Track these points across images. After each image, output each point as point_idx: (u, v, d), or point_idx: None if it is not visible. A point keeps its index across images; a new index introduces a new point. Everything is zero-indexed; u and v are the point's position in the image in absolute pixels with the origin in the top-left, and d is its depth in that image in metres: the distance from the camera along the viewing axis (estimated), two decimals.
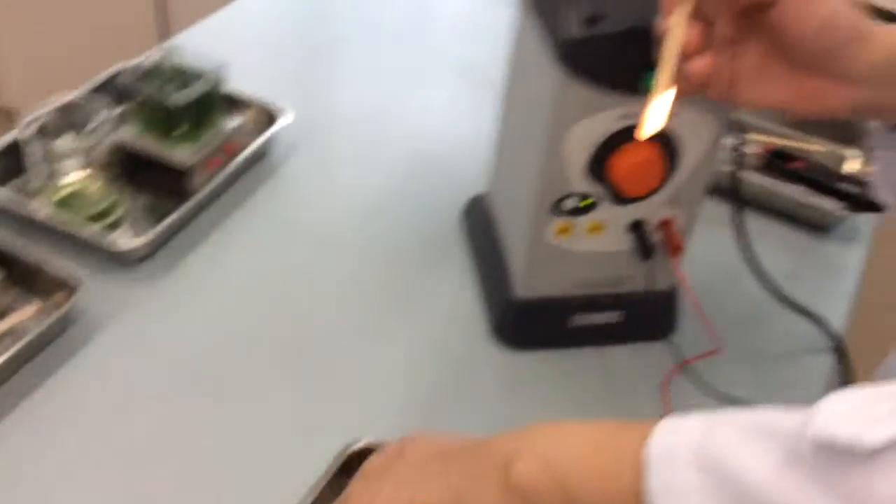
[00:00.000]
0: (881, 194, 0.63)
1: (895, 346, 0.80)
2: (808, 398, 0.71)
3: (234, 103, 0.89)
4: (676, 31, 0.50)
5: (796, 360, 0.77)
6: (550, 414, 0.69)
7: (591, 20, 0.57)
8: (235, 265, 0.77)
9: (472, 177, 0.86)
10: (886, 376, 0.79)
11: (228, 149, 0.84)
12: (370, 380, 0.69)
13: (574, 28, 0.57)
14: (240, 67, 0.86)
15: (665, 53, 0.51)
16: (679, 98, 0.52)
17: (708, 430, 0.38)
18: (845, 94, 0.52)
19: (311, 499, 0.56)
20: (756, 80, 0.54)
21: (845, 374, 0.76)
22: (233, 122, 0.86)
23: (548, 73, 0.61)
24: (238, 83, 0.88)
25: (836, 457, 0.32)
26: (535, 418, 0.67)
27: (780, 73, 0.53)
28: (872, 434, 0.31)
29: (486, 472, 0.46)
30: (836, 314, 0.82)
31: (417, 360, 0.72)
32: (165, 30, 1.89)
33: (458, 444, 0.51)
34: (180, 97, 0.78)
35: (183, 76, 0.80)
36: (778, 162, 0.93)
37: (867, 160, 0.97)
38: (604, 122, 0.62)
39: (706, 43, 0.52)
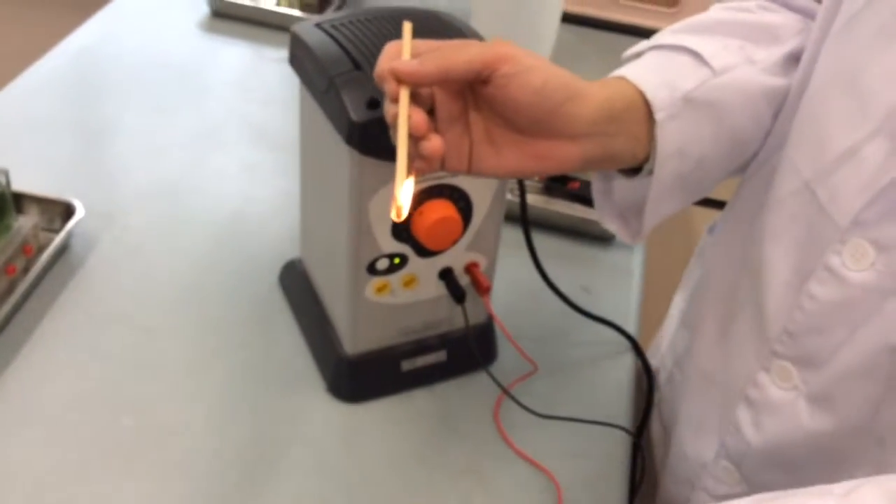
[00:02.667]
0: (605, 222, 0.71)
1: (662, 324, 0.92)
2: (617, 397, 0.81)
3: (21, 202, 0.86)
4: (403, 115, 0.52)
5: (601, 364, 0.87)
6: (395, 459, 0.73)
7: (373, 104, 0.62)
8: (57, 373, 0.75)
9: (283, 240, 0.88)
10: (664, 336, 0.90)
11: (26, 251, 0.82)
12: (225, 462, 0.70)
13: (359, 114, 0.62)
14: (18, 162, 0.84)
15: (398, 139, 0.52)
16: (420, 175, 0.54)
17: None
18: (573, 150, 0.56)
19: None
20: (488, 151, 0.56)
21: (646, 370, 0.86)
22: (26, 222, 0.83)
23: (342, 151, 0.65)
24: (20, 179, 0.85)
25: None
26: (381, 466, 0.72)
27: (509, 141, 0.56)
28: None
29: None
30: (629, 315, 0.92)
31: (263, 430, 0.74)
32: None
33: None
34: None
35: None
36: (556, 185, 1.03)
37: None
38: None
39: (434, 123, 0.54)
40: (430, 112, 0.55)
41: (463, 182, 0.69)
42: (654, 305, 1.04)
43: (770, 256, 0.63)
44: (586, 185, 1.04)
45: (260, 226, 0.94)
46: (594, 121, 0.56)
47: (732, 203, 0.74)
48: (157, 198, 0.96)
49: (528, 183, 1.02)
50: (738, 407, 0.66)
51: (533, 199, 1.01)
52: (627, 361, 0.87)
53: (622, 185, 0.67)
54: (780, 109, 0.65)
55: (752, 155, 0.68)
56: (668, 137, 0.59)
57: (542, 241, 0.90)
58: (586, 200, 1.02)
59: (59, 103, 1.09)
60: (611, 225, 0.70)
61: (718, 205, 0.88)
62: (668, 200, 0.64)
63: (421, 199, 0.68)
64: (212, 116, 1.11)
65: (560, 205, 1.02)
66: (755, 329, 0.65)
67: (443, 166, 0.56)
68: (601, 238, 1.02)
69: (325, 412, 0.77)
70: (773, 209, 0.63)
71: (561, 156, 0.56)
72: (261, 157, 1.05)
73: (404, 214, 0.51)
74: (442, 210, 0.68)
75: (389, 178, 0.66)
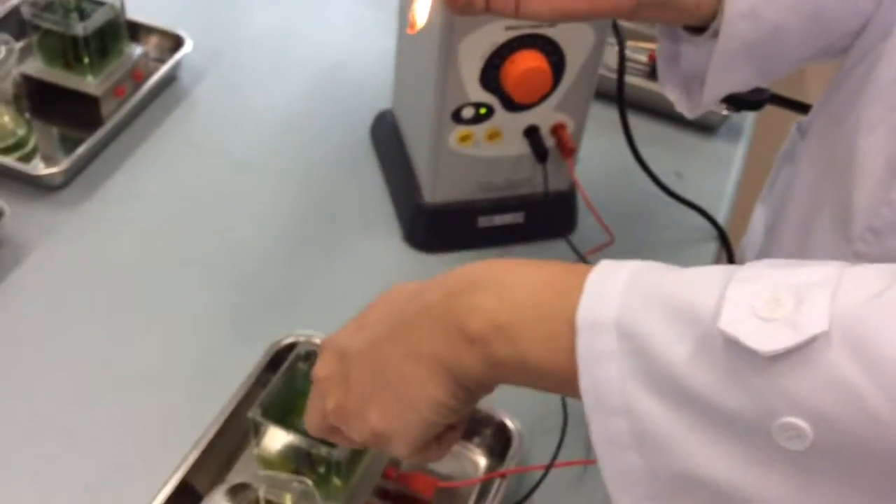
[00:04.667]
0: (667, 90, 0.66)
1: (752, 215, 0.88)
2: None
3: (135, 31, 0.90)
4: None
5: (683, 249, 0.85)
6: None
7: None
8: (154, 186, 0.80)
9: (377, 93, 0.89)
10: (748, 245, 0.87)
11: (136, 76, 0.86)
12: (292, 284, 0.74)
13: None
14: None
15: None
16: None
17: (631, 294, 0.36)
18: None
19: (242, 393, 0.61)
20: None
21: (729, 261, 0.84)
22: (137, 50, 0.87)
23: None
24: (137, 11, 0.88)
25: (743, 353, 0.32)
26: None
27: None
28: (770, 343, 0.31)
29: (450, 338, 0.41)
30: (721, 207, 0.89)
31: (336, 266, 0.76)
32: None
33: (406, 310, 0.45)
34: (84, 27, 0.79)
35: (83, 6, 0.81)
36: None
37: None
38: (491, 34, 0.66)
39: None
40: None
41: (558, 34, 0.68)
42: (748, 208, 1.01)
43: (862, 149, 0.59)
44: None
45: (358, 78, 0.96)
46: None
47: (825, 97, 0.70)
48: (264, 42, 0.99)
49: (633, 65, 0.99)
50: None
51: (637, 80, 0.98)
52: (710, 250, 0.85)
53: (690, 50, 0.62)
54: None
55: (839, 39, 0.62)
56: None
57: (639, 123, 0.88)
58: None
59: None
60: (672, 93, 0.65)
61: None
62: (735, 70, 0.59)
63: (512, 47, 0.67)
64: None
65: None
66: (838, 228, 0.61)
67: (487, 7, 0.53)
68: (704, 126, 0.98)
69: (398, 258, 0.79)
70: (872, 99, 0.59)
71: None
72: (366, 13, 1.05)
73: (418, 26, 0.50)
74: (532, 60, 0.67)
75: (480, 22, 0.66)
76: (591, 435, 0.36)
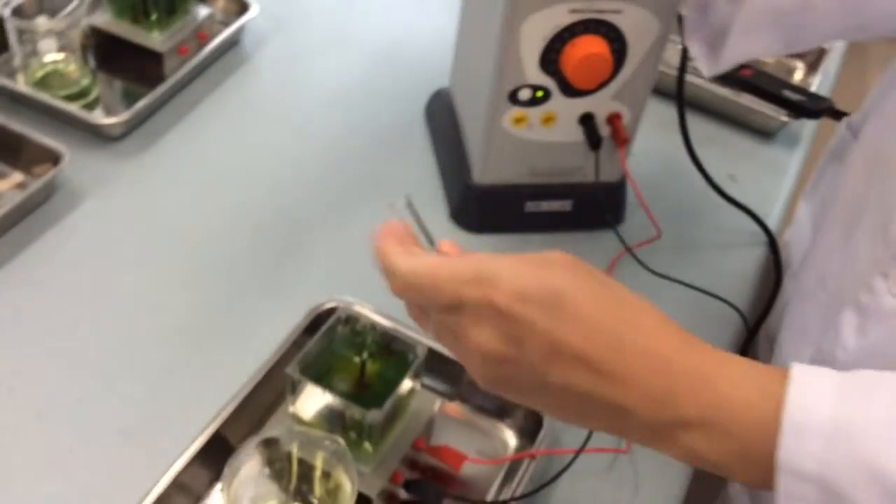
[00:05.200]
0: (691, 43, 0.63)
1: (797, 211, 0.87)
2: (740, 285, 0.79)
3: None
4: None
5: (730, 251, 0.84)
6: None
7: None
8: (210, 145, 0.82)
9: (435, 71, 0.90)
10: (792, 241, 0.85)
11: (200, 36, 0.87)
12: (337, 251, 0.75)
13: None
14: None
15: None
16: None
17: (835, 450, 0.36)
18: None
19: (280, 352, 0.62)
20: None
21: (776, 267, 0.83)
22: (203, 10, 0.88)
23: None
24: None
25: None
26: None
27: None
28: None
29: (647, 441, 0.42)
30: (773, 213, 0.88)
31: None
32: None
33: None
34: None
35: None
36: (727, 70, 0.98)
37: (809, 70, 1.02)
38: (555, 16, 0.66)
39: None
40: None
41: (622, 21, 0.67)
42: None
43: None
44: (759, 74, 0.99)
45: (418, 55, 0.96)
46: None
47: (879, 96, 0.68)
48: (327, 13, 1.00)
49: (693, 63, 0.98)
50: (844, 311, 0.62)
51: (696, 79, 0.97)
52: (758, 254, 0.84)
53: (721, 2, 0.61)
54: None
55: (871, 19, 0.60)
56: None
57: (697, 123, 0.87)
58: (754, 89, 0.97)
59: None
60: (694, 47, 0.64)
61: None
62: (759, 34, 0.58)
63: (575, 31, 0.67)
64: None
65: (726, 90, 0.97)
66: (880, 232, 0.60)
67: None
68: (762, 131, 0.97)
69: (442, 236, 0.78)
70: None
71: None
72: None
73: None
74: (594, 46, 0.67)
75: (544, 3, 0.66)
76: None
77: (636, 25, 0.68)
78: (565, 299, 0.39)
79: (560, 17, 0.66)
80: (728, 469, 0.40)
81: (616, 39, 0.68)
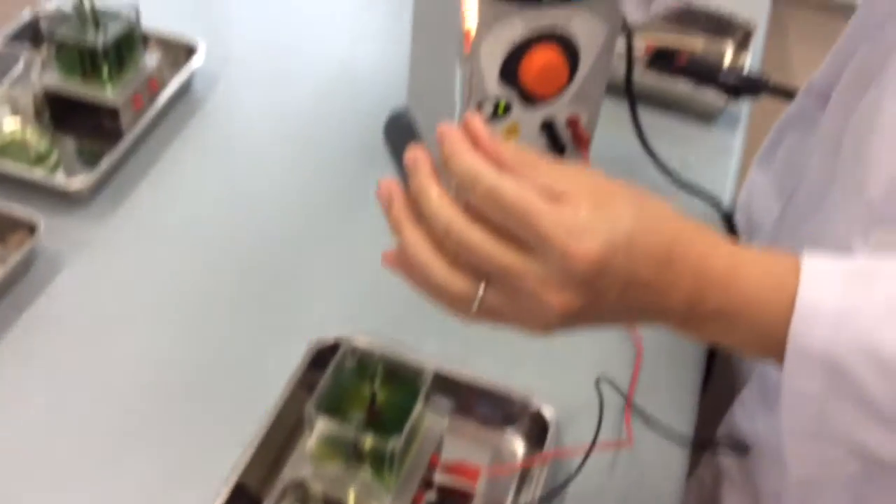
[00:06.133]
0: (628, 10, 0.67)
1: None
2: None
3: (148, 41, 0.91)
4: None
5: None
6: None
7: None
8: (179, 193, 0.82)
9: (388, 90, 0.92)
10: (748, 205, 0.89)
11: (152, 86, 0.87)
12: (323, 280, 0.76)
13: None
14: (145, 5, 0.88)
15: None
16: None
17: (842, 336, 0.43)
18: None
19: (287, 392, 0.63)
20: None
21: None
22: (151, 59, 0.88)
23: None
24: (147, 20, 0.89)
25: None
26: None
27: None
28: None
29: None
30: (726, 192, 0.92)
31: (361, 260, 0.78)
32: None
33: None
34: (102, 39, 0.80)
35: (100, 17, 0.82)
36: (662, 60, 1.02)
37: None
38: (511, 31, 0.68)
39: None
40: None
41: (572, 29, 0.70)
42: None
43: (889, 112, 0.60)
44: (694, 60, 1.03)
45: (369, 76, 0.98)
46: None
47: (847, 60, 0.72)
48: (274, 45, 1.01)
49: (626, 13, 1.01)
50: None
51: (637, 73, 1.00)
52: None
53: None
54: None
55: None
56: None
57: (643, 115, 0.90)
58: (693, 76, 1.01)
59: None
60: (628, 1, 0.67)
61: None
62: None
63: (530, 43, 0.69)
64: None
65: (665, 80, 1.01)
66: (855, 193, 0.64)
67: None
68: (704, 115, 1.01)
69: None
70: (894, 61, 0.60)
71: None
72: (373, 13, 1.07)
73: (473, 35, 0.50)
74: (550, 55, 0.69)
75: (502, 18, 0.68)
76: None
77: (586, 32, 0.71)
78: (636, 238, 0.43)
79: (516, 32, 0.68)
80: (745, 348, 0.47)
81: (568, 47, 0.71)
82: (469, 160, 0.42)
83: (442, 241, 0.43)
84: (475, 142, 0.44)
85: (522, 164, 0.43)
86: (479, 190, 0.41)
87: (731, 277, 0.45)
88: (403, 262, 0.46)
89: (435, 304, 0.45)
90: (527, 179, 0.42)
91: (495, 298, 0.43)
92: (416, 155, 0.45)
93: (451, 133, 0.44)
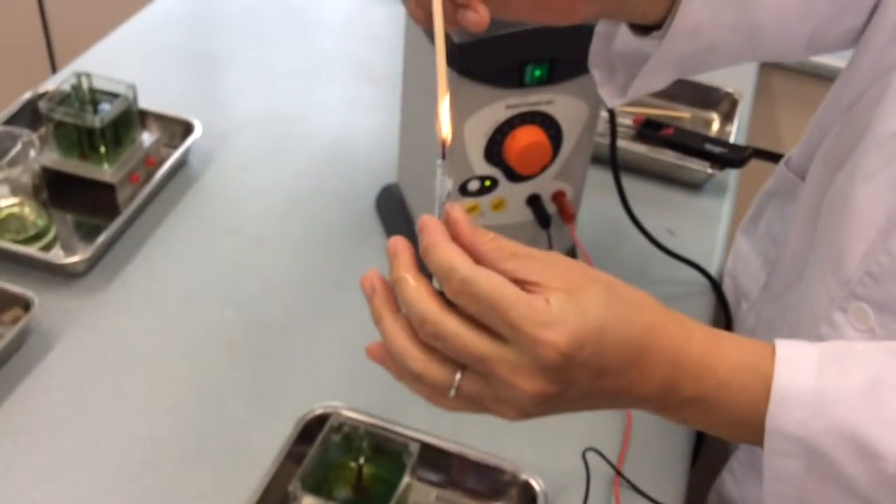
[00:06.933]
0: (594, 67, 0.68)
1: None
2: None
3: (145, 119, 0.93)
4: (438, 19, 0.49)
5: (680, 303, 0.88)
6: None
7: None
8: (173, 268, 0.83)
9: (379, 165, 0.94)
10: (736, 272, 0.90)
11: (149, 163, 0.89)
12: (312, 354, 0.77)
13: (461, 35, 0.66)
14: (142, 84, 0.91)
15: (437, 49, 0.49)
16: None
17: (818, 419, 0.44)
18: (588, 8, 0.57)
19: (275, 467, 0.63)
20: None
21: (725, 312, 0.88)
22: (148, 137, 0.91)
23: None
24: (144, 99, 0.92)
25: None
26: None
27: None
28: None
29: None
30: (714, 259, 0.94)
31: (354, 335, 0.79)
32: (51, 56, 1.90)
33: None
34: (100, 118, 0.82)
35: (98, 98, 0.85)
36: (649, 131, 1.04)
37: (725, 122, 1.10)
38: (494, 113, 0.71)
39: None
40: None
41: (554, 110, 0.72)
42: None
43: (860, 196, 0.61)
44: (680, 132, 1.05)
45: (360, 153, 1.00)
46: None
47: (813, 138, 0.74)
48: (267, 122, 1.03)
49: (619, 128, 1.04)
50: None
51: (624, 143, 1.03)
52: (706, 302, 0.89)
53: (626, 36, 0.66)
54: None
55: (769, 56, 0.67)
56: (690, 11, 0.59)
57: (631, 184, 0.92)
58: (679, 147, 1.03)
59: (179, 36, 1.17)
60: (597, 71, 0.68)
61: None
62: (663, 73, 0.64)
63: (513, 124, 0.72)
64: (320, 51, 1.17)
65: (651, 151, 1.03)
66: (831, 270, 0.65)
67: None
68: (691, 184, 1.03)
69: None
70: (870, 149, 0.61)
71: (576, 8, 0.57)
72: (363, 91, 1.10)
73: (448, 141, 0.50)
74: (533, 135, 0.72)
75: (485, 101, 0.71)
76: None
77: (568, 112, 0.73)
78: (607, 329, 0.43)
79: (499, 114, 0.71)
80: (724, 433, 0.48)
81: (551, 126, 0.73)
82: (444, 252, 0.43)
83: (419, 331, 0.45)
84: (454, 233, 0.45)
85: (500, 254, 0.44)
86: (454, 281, 0.42)
87: (705, 365, 0.45)
88: (385, 354, 0.47)
89: (415, 393, 0.46)
90: (502, 271, 0.44)
91: (472, 386, 0.44)
92: (395, 245, 0.46)
93: (431, 224, 0.45)
